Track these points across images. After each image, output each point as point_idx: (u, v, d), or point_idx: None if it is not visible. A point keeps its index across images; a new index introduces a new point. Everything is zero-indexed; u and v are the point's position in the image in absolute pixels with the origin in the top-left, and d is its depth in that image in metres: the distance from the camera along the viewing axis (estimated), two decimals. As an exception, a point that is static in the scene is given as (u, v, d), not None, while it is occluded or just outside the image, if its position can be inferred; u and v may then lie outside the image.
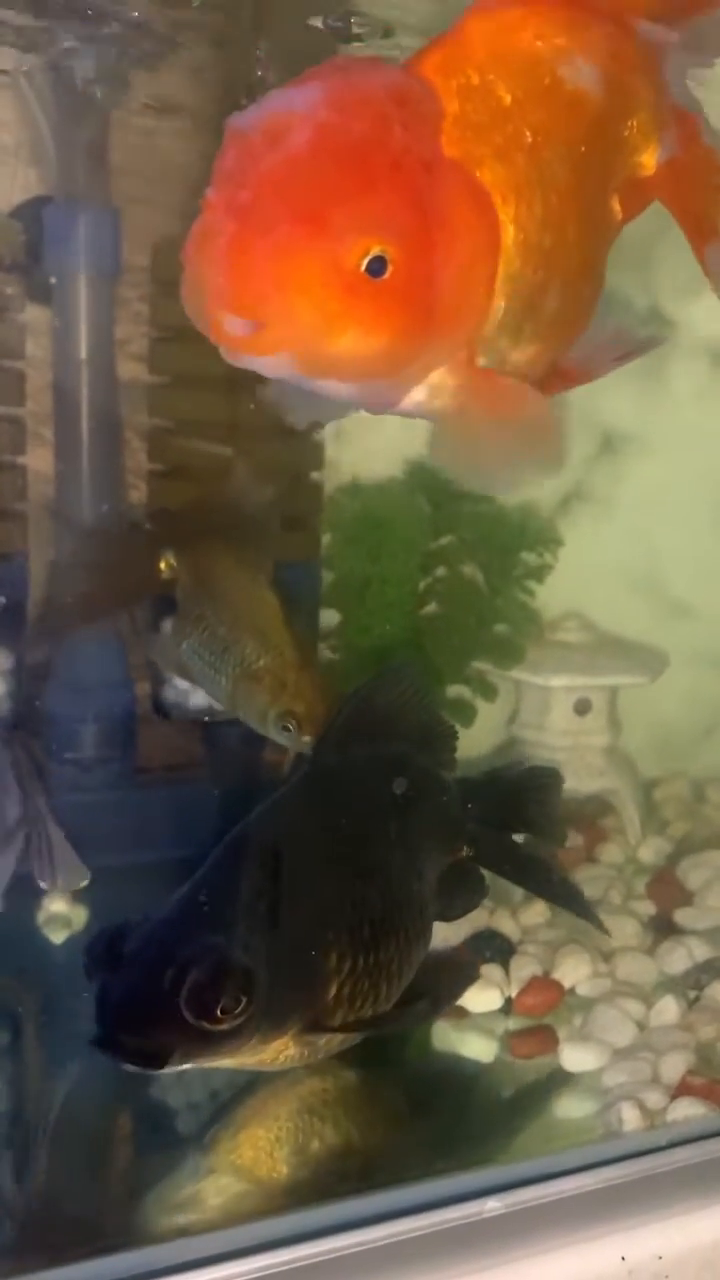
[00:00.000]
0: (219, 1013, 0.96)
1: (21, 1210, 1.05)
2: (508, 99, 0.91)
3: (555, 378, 1.02)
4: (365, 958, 1.07)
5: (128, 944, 1.00)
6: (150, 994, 0.96)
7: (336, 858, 1.11)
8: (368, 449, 1.66)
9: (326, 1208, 1.01)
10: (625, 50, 1.00)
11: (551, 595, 1.69)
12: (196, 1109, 1.16)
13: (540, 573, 1.64)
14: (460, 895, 1.26)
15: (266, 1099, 1.15)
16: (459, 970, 1.27)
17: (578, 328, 1.01)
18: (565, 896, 1.34)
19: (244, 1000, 0.97)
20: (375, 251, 0.82)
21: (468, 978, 1.28)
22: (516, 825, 1.31)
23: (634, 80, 1.01)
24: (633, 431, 1.81)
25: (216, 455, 1.58)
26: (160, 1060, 0.95)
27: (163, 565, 1.41)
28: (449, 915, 1.26)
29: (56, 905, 1.40)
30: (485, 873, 1.28)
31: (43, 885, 1.37)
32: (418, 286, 0.84)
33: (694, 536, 1.84)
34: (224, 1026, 0.97)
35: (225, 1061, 1.02)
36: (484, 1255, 1.00)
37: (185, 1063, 0.97)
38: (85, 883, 1.38)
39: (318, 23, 1.35)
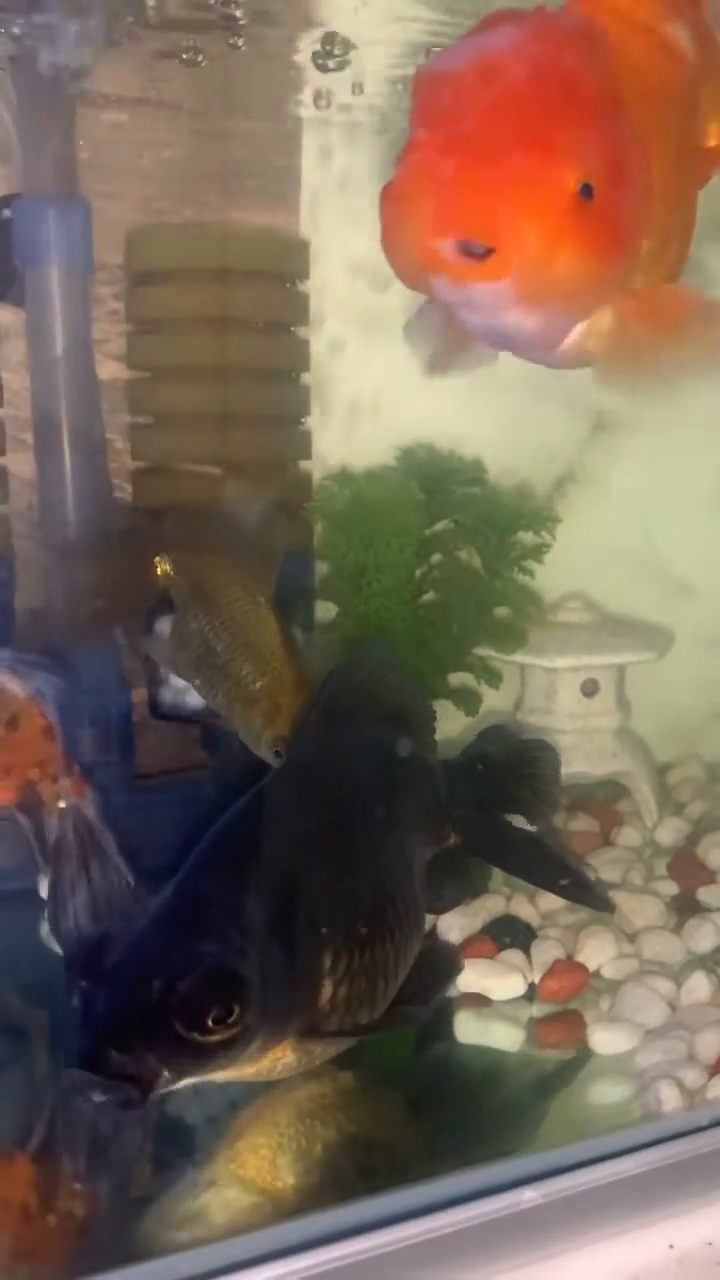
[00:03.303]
0: (211, 1024, 0.91)
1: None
2: (636, 53, 0.96)
3: None
4: (360, 956, 1.03)
5: (110, 954, 0.95)
6: (137, 1008, 0.91)
7: (320, 852, 1.06)
8: (358, 437, 1.63)
9: (358, 1205, 0.97)
10: (704, 23, 1.05)
11: (551, 579, 1.65)
12: (214, 1118, 1.11)
13: (539, 552, 1.59)
14: (449, 884, 1.21)
15: (291, 1095, 1.10)
16: (438, 960, 1.21)
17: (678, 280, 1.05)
18: (554, 879, 1.27)
19: (237, 1009, 0.92)
20: (586, 178, 0.86)
21: (449, 967, 1.22)
22: (505, 805, 1.26)
23: (711, 52, 1.06)
24: (626, 410, 1.77)
25: (203, 451, 1.55)
26: (150, 1080, 0.90)
27: (158, 569, 1.37)
28: (439, 906, 1.21)
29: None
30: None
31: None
32: (614, 214, 0.89)
33: (695, 516, 1.80)
34: (217, 1038, 0.92)
35: (221, 1075, 0.97)
36: (523, 1249, 0.95)
37: (178, 1080, 0.92)
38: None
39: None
